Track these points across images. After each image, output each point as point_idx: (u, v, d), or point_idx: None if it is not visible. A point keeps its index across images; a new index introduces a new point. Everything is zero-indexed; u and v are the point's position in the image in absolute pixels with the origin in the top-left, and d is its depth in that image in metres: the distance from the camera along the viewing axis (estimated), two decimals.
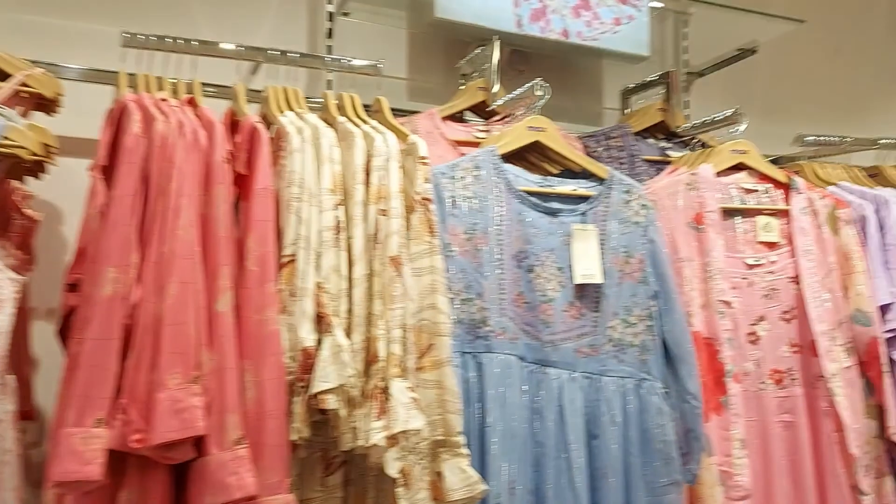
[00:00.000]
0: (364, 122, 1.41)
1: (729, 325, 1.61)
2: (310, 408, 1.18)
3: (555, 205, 1.53)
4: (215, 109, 1.35)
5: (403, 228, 1.29)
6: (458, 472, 1.24)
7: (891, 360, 1.65)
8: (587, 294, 1.50)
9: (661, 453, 1.44)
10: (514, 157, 1.57)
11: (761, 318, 1.65)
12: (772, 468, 1.60)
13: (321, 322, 1.20)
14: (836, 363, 1.62)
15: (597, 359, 1.47)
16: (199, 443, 1.15)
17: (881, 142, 2.06)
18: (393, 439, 1.17)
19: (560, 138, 1.57)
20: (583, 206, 1.53)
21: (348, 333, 1.22)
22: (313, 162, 1.28)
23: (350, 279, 1.24)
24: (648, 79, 2.03)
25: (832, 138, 1.98)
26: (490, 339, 1.42)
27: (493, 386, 1.39)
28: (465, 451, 1.27)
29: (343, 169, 1.31)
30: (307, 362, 1.17)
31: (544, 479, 1.41)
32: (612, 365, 1.47)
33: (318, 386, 1.15)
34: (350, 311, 1.23)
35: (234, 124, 1.38)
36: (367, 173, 1.31)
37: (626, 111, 2.08)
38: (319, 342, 1.19)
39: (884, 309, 1.69)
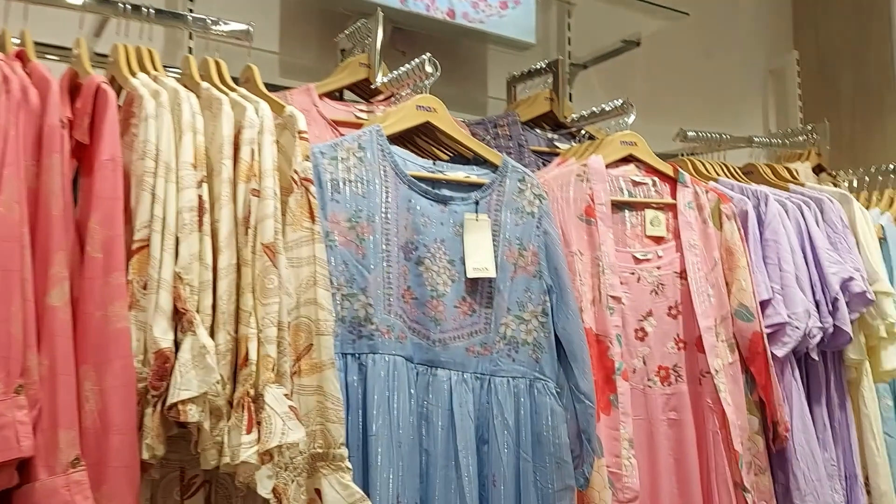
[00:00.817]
0: (232, 90, 1.23)
1: (618, 321, 1.56)
2: (165, 421, 1.00)
3: (446, 192, 1.41)
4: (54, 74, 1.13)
5: (279, 212, 1.13)
6: (340, 489, 1.10)
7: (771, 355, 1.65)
8: (480, 289, 1.39)
9: (554, 457, 1.35)
10: (399, 139, 1.44)
11: (649, 314, 1.61)
12: (658, 467, 1.56)
13: (180, 319, 1.02)
14: (720, 359, 1.60)
15: (489, 358, 1.37)
16: (24, 466, 0.95)
17: (756, 140, 2.09)
18: (266, 455, 1.01)
19: (452, 120, 1.45)
20: (475, 195, 1.42)
21: (213, 333, 1.04)
22: (171, 131, 1.09)
23: (215, 269, 1.07)
24: (535, 66, 1.95)
25: (712, 135, 1.99)
26: (375, 338, 1.28)
27: (378, 391, 1.26)
28: (347, 464, 1.12)
29: (207, 141, 1.13)
30: (163, 367, 0.99)
31: (432, 491, 1.29)
32: (504, 364, 1.37)
33: (176, 394, 0.97)
34: (215, 306, 1.05)
35: (75, 89, 1.16)
36: (237, 147, 1.13)
37: (511, 101, 2.00)
38: (178, 343, 1.01)
39: (762, 305, 1.69)
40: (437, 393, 1.32)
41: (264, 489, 1.01)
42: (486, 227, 1.41)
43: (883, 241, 2.03)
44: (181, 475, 1.09)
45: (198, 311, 1.02)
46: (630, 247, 1.64)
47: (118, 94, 1.18)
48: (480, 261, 1.38)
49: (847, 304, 1.76)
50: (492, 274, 1.39)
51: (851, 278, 1.76)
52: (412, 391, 1.30)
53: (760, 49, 2.79)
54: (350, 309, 1.28)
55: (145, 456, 0.99)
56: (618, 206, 1.65)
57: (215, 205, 1.10)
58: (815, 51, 2.81)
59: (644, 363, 1.59)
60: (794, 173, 2.14)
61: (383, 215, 1.34)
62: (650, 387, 1.58)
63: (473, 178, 1.44)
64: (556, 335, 1.41)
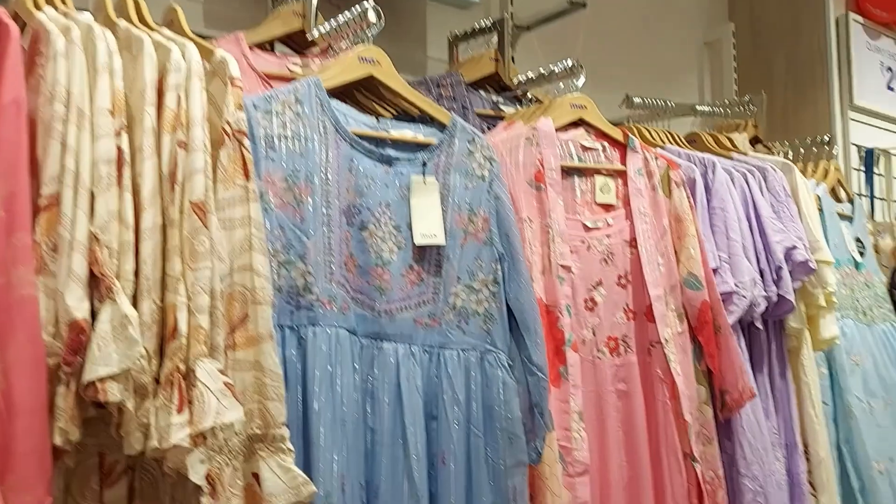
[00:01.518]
0: (154, 31, 1.10)
1: (568, 291, 1.50)
2: (81, 400, 0.88)
3: (390, 152, 1.31)
4: None
5: (209, 167, 1.01)
6: (281, 472, 1.00)
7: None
8: (428, 256, 1.30)
9: (506, 432, 1.29)
10: (338, 94, 1.33)
11: (598, 284, 1.56)
12: (607, 440, 1.51)
13: (97, 286, 0.90)
14: (670, 328, 1.56)
15: (438, 330, 1.28)
16: None
17: (699, 108, 2.06)
18: (199, 437, 0.90)
19: (397, 74, 1.35)
20: (423, 156, 1.33)
21: (135, 301, 0.92)
22: (84, 72, 0.95)
23: (137, 230, 0.95)
24: (480, 25, 1.86)
25: (658, 102, 1.94)
26: (315, 309, 1.18)
27: (320, 366, 1.16)
28: (288, 445, 1.02)
29: (127, 86, 0.99)
30: (77, 339, 0.86)
31: (378, 471, 1.20)
32: (454, 336, 1.29)
33: (94, 371, 0.85)
34: (138, 271, 0.93)
35: None
36: (160, 94, 1.01)
37: (453, 61, 1.91)
38: (94, 313, 0.89)
39: None
40: (383, 367, 1.23)
41: (196, 475, 0.91)
42: (435, 190, 1.32)
43: (819, 211, 2.05)
44: (100, 462, 0.97)
45: (118, 277, 0.90)
46: (580, 214, 1.58)
47: (22, 31, 1.04)
48: (428, 227, 1.29)
49: (790, 272, 1.75)
50: (441, 241, 1.30)
51: (794, 247, 1.76)
52: (356, 366, 1.21)
53: (697, 20, 2.77)
54: (287, 277, 1.18)
55: (58, 441, 0.87)
56: (567, 172, 1.58)
57: (136, 157, 0.97)
58: (750, 23, 2.81)
59: (593, 334, 1.54)
60: (734, 143, 2.12)
61: (323, 176, 1.23)
62: (599, 358, 1.54)
63: (421, 138, 1.34)
64: (507, 305, 1.34)
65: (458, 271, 1.31)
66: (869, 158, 2.73)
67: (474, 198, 1.35)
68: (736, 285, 1.65)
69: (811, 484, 1.80)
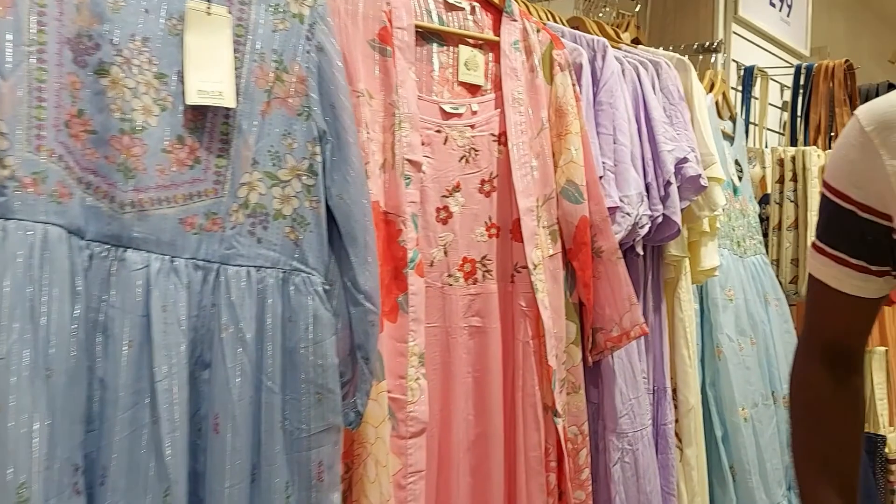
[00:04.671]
0: None
1: (415, 195, 1.13)
2: None
3: None
4: None
5: None
6: None
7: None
8: (209, 125, 0.87)
9: (314, 386, 0.91)
10: None
11: (456, 189, 1.19)
12: (452, 389, 1.18)
13: None
14: (540, 250, 1.23)
15: (219, 236, 0.87)
16: None
17: None
18: None
19: None
20: None
21: None
22: None
23: None
24: None
25: None
26: (8, 193, 0.74)
27: (13, 283, 0.73)
28: None
29: None
30: None
31: (108, 445, 0.80)
32: (244, 247, 0.88)
33: None
34: None
35: None
36: None
37: None
38: None
39: None
40: (125, 288, 0.80)
41: None
42: (225, 26, 0.88)
43: None
44: None
45: None
46: (436, 94, 1.19)
47: None
48: (211, 79, 0.86)
49: (678, 189, 1.46)
50: (229, 103, 0.87)
51: (686, 159, 1.47)
52: (79, 285, 0.78)
53: None
54: None
55: None
56: (423, 37, 1.18)
57: None
58: None
59: (445, 254, 1.18)
60: (619, 37, 1.80)
61: None
62: (450, 285, 1.18)
63: None
64: (327, 206, 0.94)
65: (254, 151, 0.89)
66: (748, 78, 2.52)
67: (286, 45, 0.92)
68: (621, 199, 1.34)
69: (677, 435, 1.58)
